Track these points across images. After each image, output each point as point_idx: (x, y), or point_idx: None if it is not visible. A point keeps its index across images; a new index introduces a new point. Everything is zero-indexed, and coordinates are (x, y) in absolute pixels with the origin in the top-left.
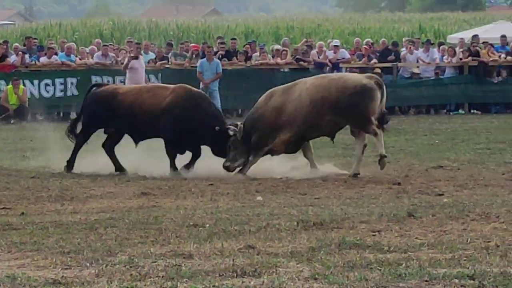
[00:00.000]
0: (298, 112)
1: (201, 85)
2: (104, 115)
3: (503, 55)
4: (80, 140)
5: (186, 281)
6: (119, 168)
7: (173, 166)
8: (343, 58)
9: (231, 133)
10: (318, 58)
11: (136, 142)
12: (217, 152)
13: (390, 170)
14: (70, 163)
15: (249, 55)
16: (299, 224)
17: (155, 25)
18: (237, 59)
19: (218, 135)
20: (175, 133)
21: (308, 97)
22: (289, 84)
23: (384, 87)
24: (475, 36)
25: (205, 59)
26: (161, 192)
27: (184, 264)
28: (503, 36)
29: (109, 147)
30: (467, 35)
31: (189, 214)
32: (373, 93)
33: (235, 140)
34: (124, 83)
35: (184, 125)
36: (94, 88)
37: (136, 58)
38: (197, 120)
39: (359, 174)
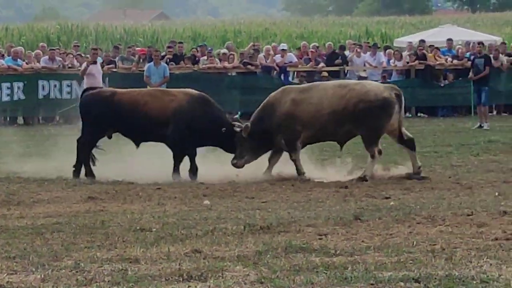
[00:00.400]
0: (318, 117)
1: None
2: (108, 116)
3: (449, 59)
4: (89, 145)
5: (132, 285)
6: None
7: (177, 171)
8: (290, 62)
9: (237, 129)
10: (266, 62)
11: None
12: (227, 149)
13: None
14: (88, 171)
15: (197, 59)
16: (246, 228)
17: (103, 29)
18: (184, 63)
19: (226, 134)
20: (184, 138)
21: (330, 105)
22: (305, 85)
23: (403, 98)
24: (422, 41)
25: (152, 63)
26: (108, 197)
27: (130, 269)
28: (449, 40)
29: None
30: (414, 38)
31: (136, 218)
32: (392, 108)
33: (241, 137)
34: (71, 88)
35: (193, 129)
36: (87, 91)
37: (95, 63)
38: (205, 123)
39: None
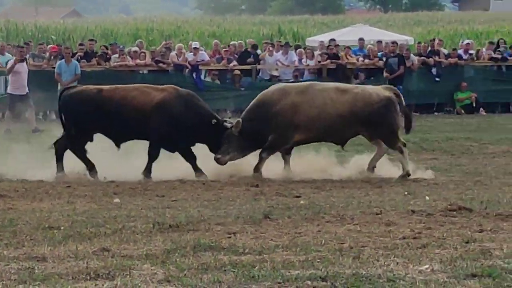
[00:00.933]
0: (322, 120)
1: (59, 87)
2: (92, 115)
3: (360, 58)
4: (78, 145)
5: (38, 284)
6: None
7: (149, 168)
8: (203, 60)
9: (228, 125)
10: (178, 60)
11: (119, 144)
12: (214, 148)
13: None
14: (91, 169)
15: (107, 56)
16: (155, 227)
17: (13, 25)
18: (96, 61)
19: (215, 132)
20: (165, 135)
21: (335, 110)
22: (301, 84)
23: (402, 98)
24: (332, 40)
25: (63, 60)
26: (18, 194)
27: (37, 267)
28: (361, 39)
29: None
30: (325, 38)
31: (44, 216)
32: (396, 106)
33: (230, 134)
34: None
35: (177, 126)
36: (67, 91)
37: (22, 61)
38: (191, 119)
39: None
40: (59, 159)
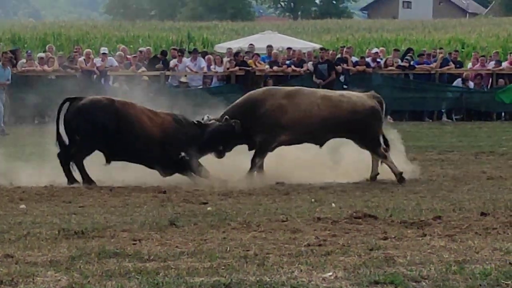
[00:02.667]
0: (305, 124)
1: None
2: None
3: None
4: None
5: None
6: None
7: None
8: (111, 66)
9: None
10: (86, 65)
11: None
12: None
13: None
14: (86, 180)
15: (14, 61)
16: (60, 233)
17: None
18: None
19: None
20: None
21: (320, 115)
22: (287, 88)
23: (384, 105)
24: (250, 45)
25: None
26: None
27: None
28: (269, 46)
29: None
30: (234, 44)
31: None
32: (379, 114)
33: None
34: None
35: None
36: (71, 101)
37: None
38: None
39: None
40: (69, 171)
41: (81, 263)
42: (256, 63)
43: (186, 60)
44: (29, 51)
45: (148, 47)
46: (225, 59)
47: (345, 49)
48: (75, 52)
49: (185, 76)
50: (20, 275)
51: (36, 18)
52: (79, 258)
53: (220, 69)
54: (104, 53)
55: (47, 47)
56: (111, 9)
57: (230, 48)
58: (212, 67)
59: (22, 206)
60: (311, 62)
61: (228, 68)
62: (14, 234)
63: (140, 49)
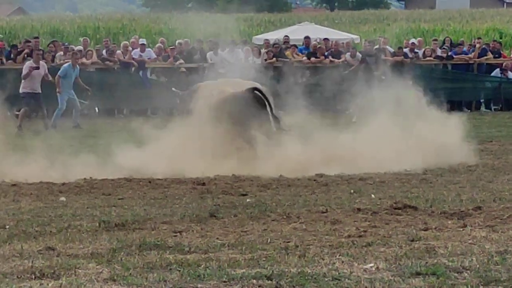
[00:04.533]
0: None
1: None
2: None
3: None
4: None
5: None
6: None
7: None
8: (149, 58)
9: None
10: (124, 58)
11: None
12: None
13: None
14: None
15: (53, 54)
16: (101, 225)
17: None
18: (44, 58)
19: None
20: None
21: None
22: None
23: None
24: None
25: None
26: None
27: None
28: (307, 37)
29: None
30: (272, 36)
31: None
32: (246, 102)
33: None
34: None
35: None
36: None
37: (37, 68)
38: None
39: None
40: None
41: (122, 255)
42: (294, 54)
43: (223, 52)
44: (66, 44)
45: (186, 39)
46: (263, 51)
47: (381, 40)
48: (105, 44)
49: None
50: (61, 267)
51: (73, 12)
52: (120, 250)
53: (258, 61)
54: (142, 44)
55: (81, 40)
56: (148, 2)
57: (267, 40)
58: (249, 58)
59: (62, 198)
60: (348, 53)
61: (265, 60)
62: (55, 227)
63: (178, 41)
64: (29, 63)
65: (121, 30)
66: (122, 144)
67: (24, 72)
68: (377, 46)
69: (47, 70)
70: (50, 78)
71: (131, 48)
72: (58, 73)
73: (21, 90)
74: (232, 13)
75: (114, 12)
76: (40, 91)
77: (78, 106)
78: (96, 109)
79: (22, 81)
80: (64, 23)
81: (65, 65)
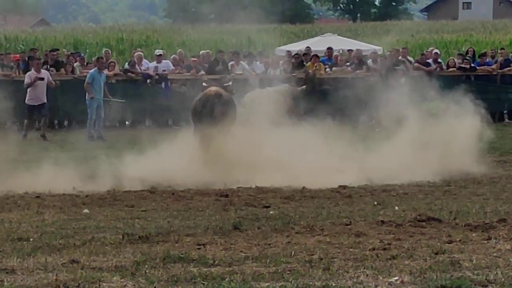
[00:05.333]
0: None
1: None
2: None
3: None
4: None
5: None
6: None
7: None
8: (166, 69)
9: None
10: (143, 69)
11: None
12: None
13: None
14: None
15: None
16: (125, 238)
17: None
18: (65, 70)
19: None
20: None
21: None
22: None
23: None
24: (307, 48)
25: (96, 69)
26: None
27: (7, 280)
28: (329, 49)
29: None
30: (295, 47)
31: (13, 227)
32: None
33: None
34: None
35: None
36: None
37: (42, 79)
38: None
39: None
40: None
41: (146, 268)
42: (315, 66)
43: (244, 63)
44: (82, 55)
45: (207, 51)
46: (281, 62)
47: (400, 50)
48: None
49: (245, 79)
50: (85, 280)
51: (95, 23)
52: (144, 263)
53: (277, 72)
54: (159, 55)
55: (103, 52)
56: (171, 13)
57: (289, 51)
58: (269, 70)
59: (86, 210)
60: (370, 60)
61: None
62: (79, 239)
63: (202, 52)
64: (30, 73)
65: (144, 42)
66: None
67: (27, 80)
68: (387, 57)
69: (50, 78)
70: (55, 84)
71: (145, 60)
72: (86, 79)
73: (26, 101)
74: (255, 24)
75: (136, 24)
76: (46, 101)
77: (102, 116)
78: (126, 122)
79: (27, 91)
80: (87, 35)
81: (91, 71)
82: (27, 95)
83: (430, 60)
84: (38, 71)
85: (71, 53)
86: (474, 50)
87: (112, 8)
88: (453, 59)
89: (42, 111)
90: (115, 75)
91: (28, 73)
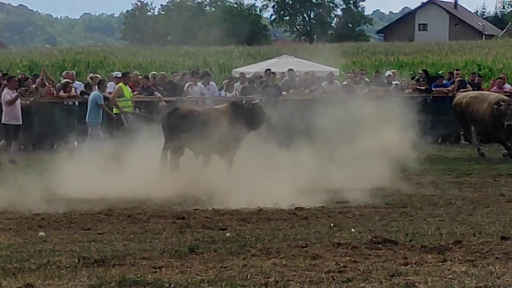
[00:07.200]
0: None
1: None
2: None
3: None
4: None
5: None
6: None
7: None
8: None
9: None
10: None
11: None
12: None
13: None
14: None
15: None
16: (80, 261)
17: None
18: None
19: None
20: None
21: None
22: None
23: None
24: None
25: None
26: None
27: None
28: (290, 70)
29: None
30: (252, 69)
31: None
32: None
33: None
34: None
35: None
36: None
37: (23, 96)
38: None
39: None
40: None
41: None
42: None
43: (201, 85)
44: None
45: (162, 72)
46: (237, 84)
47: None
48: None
49: (203, 100)
50: None
51: (52, 44)
52: (99, 287)
53: (229, 95)
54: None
55: (64, 74)
56: (127, 35)
57: (242, 73)
58: (222, 92)
59: (41, 233)
60: (326, 82)
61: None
62: (34, 263)
63: (152, 73)
64: (6, 90)
65: (100, 64)
66: None
67: (7, 98)
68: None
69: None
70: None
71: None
72: (101, 102)
73: (4, 120)
74: (212, 46)
75: (93, 45)
76: (21, 122)
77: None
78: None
79: (4, 110)
80: (43, 57)
81: (95, 92)
82: (4, 115)
83: (385, 81)
84: (14, 89)
85: (29, 77)
86: (426, 72)
87: (68, 31)
88: (407, 82)
89: (19, 133)
90: (69, 97)
91: (5, 90)
